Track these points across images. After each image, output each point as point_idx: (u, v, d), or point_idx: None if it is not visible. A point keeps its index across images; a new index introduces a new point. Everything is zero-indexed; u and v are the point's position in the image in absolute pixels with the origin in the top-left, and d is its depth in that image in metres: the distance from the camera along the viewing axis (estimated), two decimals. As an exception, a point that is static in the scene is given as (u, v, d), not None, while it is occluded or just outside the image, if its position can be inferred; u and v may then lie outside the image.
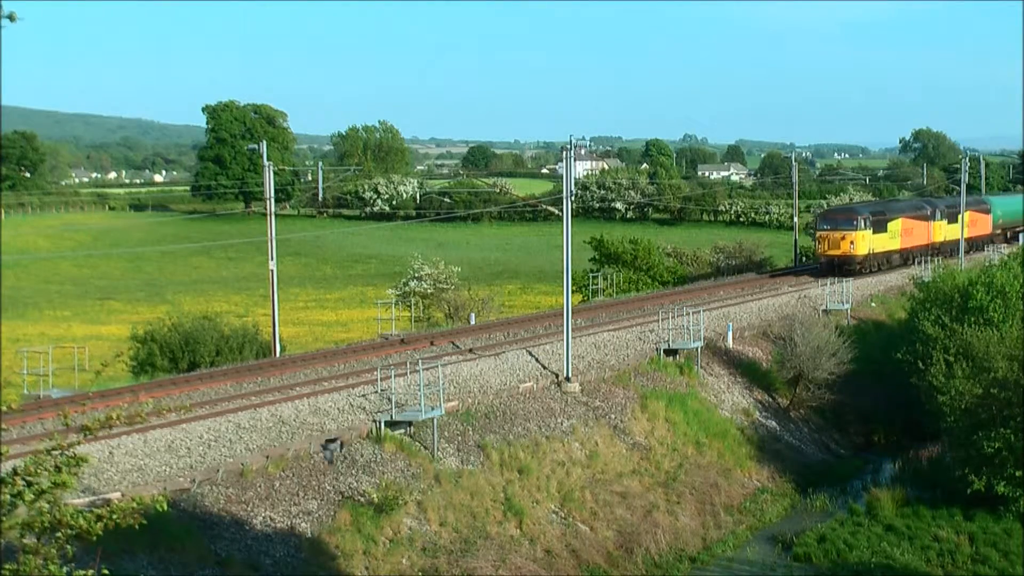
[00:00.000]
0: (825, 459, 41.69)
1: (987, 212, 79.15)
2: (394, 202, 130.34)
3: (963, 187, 74.89)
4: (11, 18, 9.42)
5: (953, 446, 36.24)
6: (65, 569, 10.59)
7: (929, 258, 64.88)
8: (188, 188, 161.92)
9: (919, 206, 72.06)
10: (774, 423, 42.21)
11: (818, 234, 63.13)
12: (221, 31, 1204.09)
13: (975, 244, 75.42)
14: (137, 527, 11.17)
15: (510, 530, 29.10)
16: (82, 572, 10.56)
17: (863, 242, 60.52)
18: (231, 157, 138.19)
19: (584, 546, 30.01)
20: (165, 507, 11.59)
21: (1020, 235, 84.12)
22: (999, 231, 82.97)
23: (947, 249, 70.18)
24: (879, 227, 62.32)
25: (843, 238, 60.24)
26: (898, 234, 65.30)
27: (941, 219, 70.54)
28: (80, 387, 32.06)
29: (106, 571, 10.92)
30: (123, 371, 41.66)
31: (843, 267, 59.64)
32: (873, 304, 58.17)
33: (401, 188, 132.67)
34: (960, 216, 71.86)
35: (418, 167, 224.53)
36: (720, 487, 35.74)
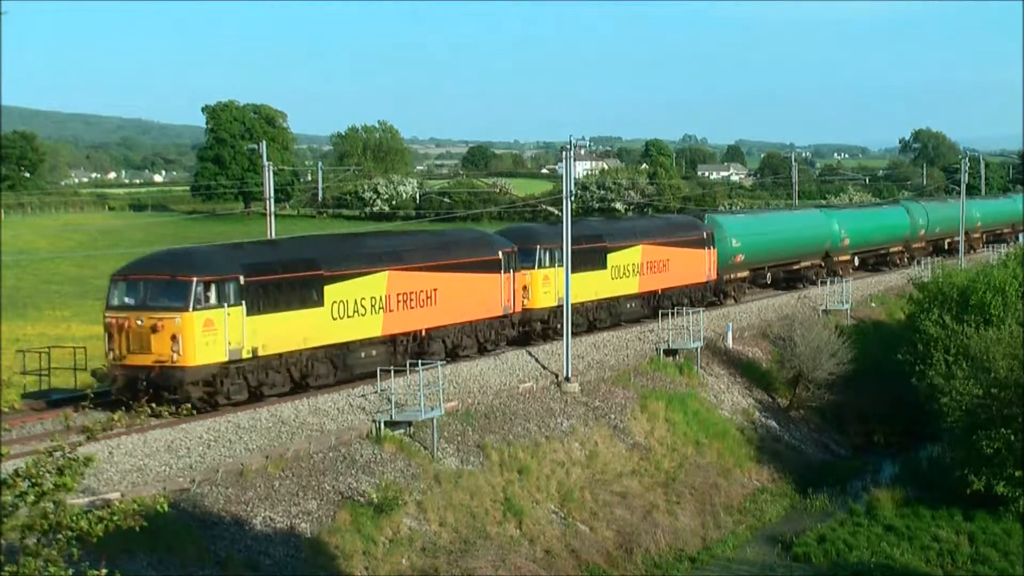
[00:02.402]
0: (825, 459, 41.69)
1: (702, 245, 48.79)
2: (394, 202, 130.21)
3: (963, 187, 74.95)
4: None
5: (953, 446, 36.27)
6: (71, 571, 10.60)
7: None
8: (188, 188, 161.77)
9: (687, 225, 50.02)
10: (774, 423, 42.21)
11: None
12: (221, 31, 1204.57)
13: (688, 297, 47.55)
14: (137, 529, 11.18)
15: (510, 530, 29.10)
16: (95, 572, 10.58)
17: (544, 287, 40.04)
18: (231, 157, 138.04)
19: (584, 546, 30.01)
20: (166, 508, 11.59)
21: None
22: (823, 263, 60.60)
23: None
24: (591, 261, 42.03)
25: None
26: (626, 271, 44.44)
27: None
28: (80, 387, 32.02)
29: (117, 574, 10.92)
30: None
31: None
32: (873, 304, 58.20)
33: (401, 188, 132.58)
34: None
35: (418, 167, 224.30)
36: (720, 487, 35.74)
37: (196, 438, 27.13)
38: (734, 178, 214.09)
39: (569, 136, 39.93)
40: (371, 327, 32.97)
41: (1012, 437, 33.10)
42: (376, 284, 33.01)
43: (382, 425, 30.05)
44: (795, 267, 59.30)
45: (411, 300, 34.24)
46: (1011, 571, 29.85)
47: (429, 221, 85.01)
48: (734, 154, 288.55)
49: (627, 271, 44.62)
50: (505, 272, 37.88)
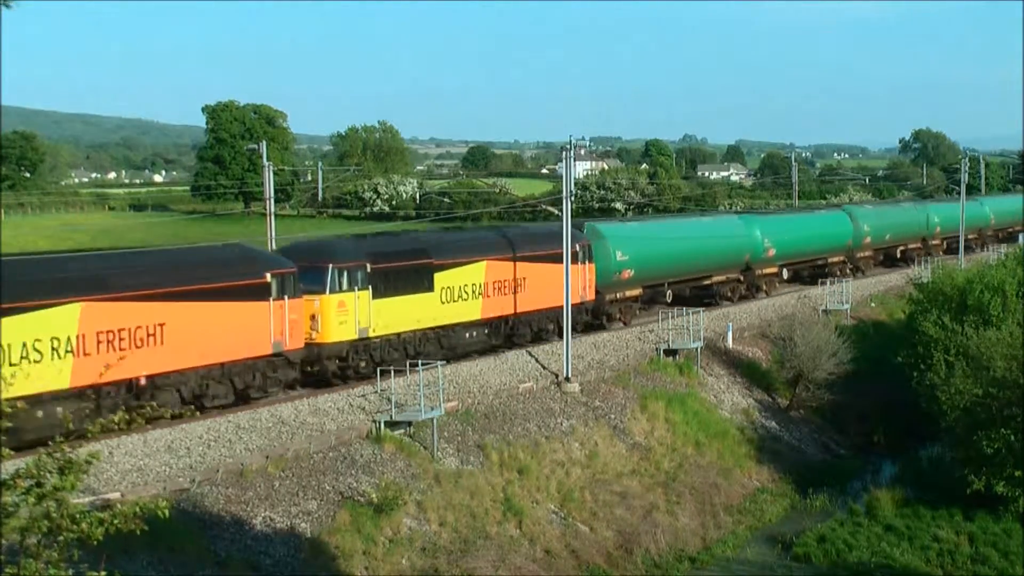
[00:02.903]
0: (825, 459, 41.69)
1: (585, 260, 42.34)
2: (394, 202, 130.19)
3: (963, 187, 74.88)
4: (6, 4, 9.54)
5: (953, 446, 36.25)
6: (71, 571, 10.61)
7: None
8: (188, 188, 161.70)
9: (551, 236, 40.16)
10: (774, 423, 42.21)
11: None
12: (221, 31, 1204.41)
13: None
14: (140, 532, 11.17)
15: (510, 530, 29.10)
16: (94, 573, 10.59)
17: (339, 316, 32.86)
18: (231, 157, 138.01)
19: (584, 546, 30.02)
20: (167, 515, 11.54)
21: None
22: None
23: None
24: (412, 282, 35.28)
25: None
26: (463, 294, 37.37)
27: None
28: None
29: (117, 573, 10.93)
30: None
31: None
32: (873, 304, 58.19)
33: (401, 188, 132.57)
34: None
35: (418, 167, 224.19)
36: (720, 487, 35.75)
37: (196, 438, 27.14)
38: (734, 178, 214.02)
39: (569, 136, 40.18)
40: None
41: (1012, 437, 33.10)
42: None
43: (382, 425, 30.06)
44: (706, 282, 52.26)
45: (119, 339, 26.51)
46: (1011, 571, 29.84)
47: (429, 221, 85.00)
48: (734, 154, 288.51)
49: (464, 293, 37.24)
50: (277, 298, 30.53)
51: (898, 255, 71.14)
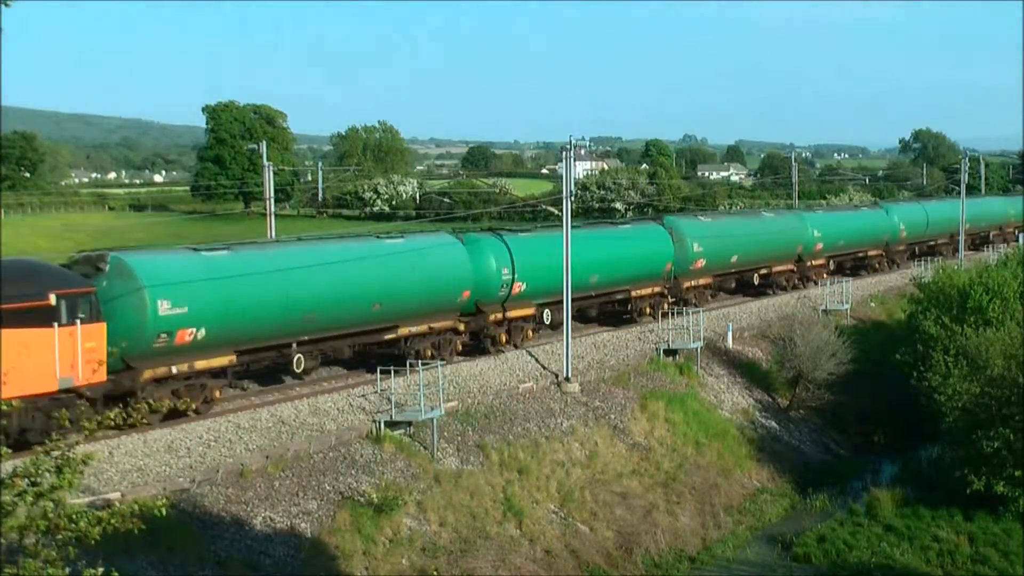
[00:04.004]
0: (825, 459, 41.68)
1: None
2: (394, 202, 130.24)
3: (963, 187, 74.87)
4: (5, 3, 9.54)
5: (953, 446, 36.24)
6: (69, 570, 10.60)
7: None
8: (188, 188, 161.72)
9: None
10: (774, 423, 42.20)
11: None
12: (221, 31, 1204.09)
13: None
14: (137, 531, 11.17)
15: (510, 530, 29.09)
16: (91, 571, 10.57)
17: None
18: (231, 157, 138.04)
19: (584, 546, 30.01)
20: (163, 513, 11.53)
21: None
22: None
23: None
24: None
25: None
26: None
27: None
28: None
29: (115, 573, 10.92)
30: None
31: None
32: (873, 304, 58.18)
33: (401, 188, 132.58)
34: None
35: (418, 167, 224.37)
36: (720, 487, 35.74)
37: (196, 438, 27.14)
38: (734, 178, 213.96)
39: (569, 136, 39.97)
40: None
41: (1011, 436, 33.10)
42: None
43: (382, 425, 30.05)
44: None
45: None
46: (1011, 571, 29.83)
47: (429, 221, 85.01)
48: (734, 154, 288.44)
49: None
50: (67, 323, 25.53)
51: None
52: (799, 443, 42.01)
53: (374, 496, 26.97)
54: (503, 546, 28.25)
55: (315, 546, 24.98)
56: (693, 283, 48.76)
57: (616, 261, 43.60)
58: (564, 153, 39.67)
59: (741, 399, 42.64)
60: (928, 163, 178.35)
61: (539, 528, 29.75)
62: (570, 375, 37.10)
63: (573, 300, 38.11)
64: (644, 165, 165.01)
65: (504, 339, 38.79)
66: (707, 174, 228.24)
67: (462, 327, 37.07)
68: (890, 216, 69.10)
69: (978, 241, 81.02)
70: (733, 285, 54.13)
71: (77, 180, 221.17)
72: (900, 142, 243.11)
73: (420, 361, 32.40)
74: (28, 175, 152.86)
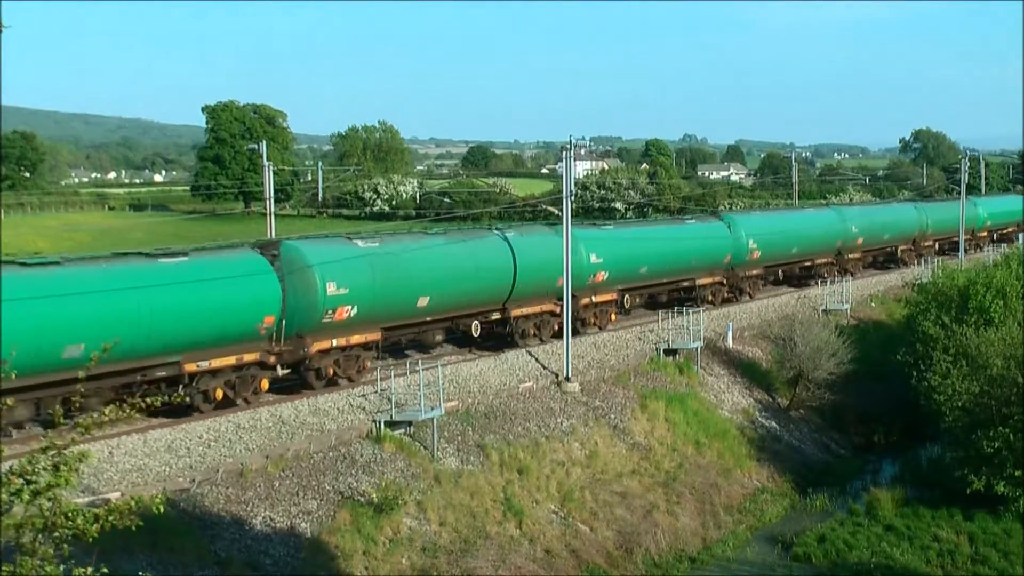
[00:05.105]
0: (825, 459, 41.68)
1: None
2: (394, 202, 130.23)
3: (963, 187, 74.90)
4: None
5: (953, 446, 36.24)
6: (63, 568, 10.58)
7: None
8: (188, 188, 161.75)
9: None
10: (774, 423, 42.19)
11: None
12: (221, 31, 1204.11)
13: None
14: (135, 528, 11.15)
15: (510, 530, 29.08)
16: (81, 570, 10.56)
17: None
18: (231, 157, 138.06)
19: (584, 546, 30.00)
20: (161, 509, 11.54)
21: None
22: None
23: None
24: None
25: None
26: None
27: None
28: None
29: (105, 570, 10.89)
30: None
31: None
32: (873, 304, 58.17)
33: (401, 188, 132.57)
34: None
35: (418, 167, 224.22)
36: (720, 487, 35.72)
37: (196, 438, 27.13)
38: (734, 178, 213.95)
39: (569, 136, 40.04)
40: None
41: (1011, 436, 33.09)
42: None
43: (382, 425, 30.04)
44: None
45: None
46: (1011, 571, 29.82)
47: (429, 221, 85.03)
48: (734, 154, 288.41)
49: None
50: None
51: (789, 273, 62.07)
52: (799, 443, 42.00)
53: (374, 496, 26.96)
54: (503, 546, 28.24)
55: (315, 546, 24.97)
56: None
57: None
58: (564, 153, 39.68)
59: (741, 399, 42.63)
60: (928, 163, 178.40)
61: (539, 528, 29.74)
62: (570, 375, 37.10)
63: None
64: (644, 165, 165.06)
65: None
66: (707, 174, 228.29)
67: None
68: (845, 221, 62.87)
69: (881, 259, 69.87)
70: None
71: (77, 180, 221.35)
72: (900, 142, 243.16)
73: (420, 361, 32.37)
74: (28, 175, 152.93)
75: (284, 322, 30.69)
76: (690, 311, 43.50)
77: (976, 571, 30.08)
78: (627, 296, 45.52)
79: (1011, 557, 30.54)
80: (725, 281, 52.83)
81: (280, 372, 31.75)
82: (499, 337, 39.58)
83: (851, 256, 63.84)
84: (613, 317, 44.72)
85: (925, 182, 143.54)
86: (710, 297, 51.75)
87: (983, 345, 35.70)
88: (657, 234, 48.65)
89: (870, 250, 67.48)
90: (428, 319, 35.95)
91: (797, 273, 60.41)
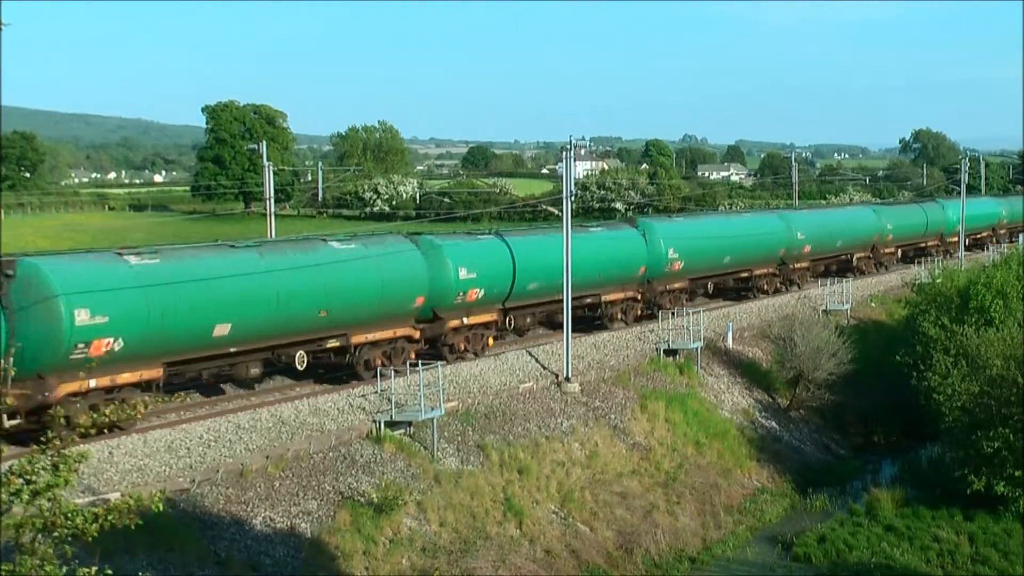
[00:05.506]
0: (825, 459, 41.67)
1: None
2: (394, 202, 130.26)
3: (963, 187, 74.88)
4: None
5: (953, 446, 36.24)
6: (64, 569, 10.58)
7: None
8: (188, 188, 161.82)
9: None
10: (774, 423, 42.19)
11: None
12: (221, 31, 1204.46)
13: None
14: (134, 527, 11.15)
15: (510, 530, 29.07)
16: (85, 570, 10.56)
17: None
18: (231, 157, 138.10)
19: (584, 546, 29.99)
20: (160, 508, 11.54)
21: None
22: None
23: None
24: None
25: None
26: None
27: None
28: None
29: (108, 571, 10.90)
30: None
31: None
32: (873, 304, 58.16)
33: (401, 188, 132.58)
34: None
35: (418, 167, 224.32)
36: (720, 487, 35.72)
37: (196, 438, 27.12)
38: (734, 178, 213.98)
39: (569, 136, 40.02)
40: None
41: (1011, 436, 33.09)
42: None
43: (382, 425, 30.03)
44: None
45: None
46: (1011, 571, 29.82)
47: (429, 221, 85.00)
48: (734, 154, 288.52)
49: None
50: None
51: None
52: (799, 443, 42.00)
53: (374, 496, 26.95)
54: (503, 546, 28.23)
55: (315, 546, 24.97)
56: (796, 265, 57.19)
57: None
58: (564, 153, 39.66)
59: (741, 399, 42.63)
60: (928, 163, 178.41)
61: (539, 528, 29.74)
62: (570, 375, 37.09)
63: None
64: (644, 165, 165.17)
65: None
66: (707, 174, 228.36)
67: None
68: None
69: (834, 268, 62.99)
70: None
71: (77, 180, 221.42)
72: (900, 142, 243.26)
73: (420, 361, 32.35)
74: (28, 175, 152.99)
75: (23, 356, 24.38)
76: (690, 311, 43.48)
77: (976, 571, 30.08)
78: (512, 316, 39.30)
79: (1011, 557, 30.53)
80: (640, 296, 46.00)
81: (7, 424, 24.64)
82: (338, 367, 33.49)
83: (797, 266, 57.17)
84: (491, 341, 38.36)
85: (925, 182, 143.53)
86: (619, 316, 45.26)
87: (983, 345, 35.69)
88: (550, 244, 39.40)
89: (820, 259, 60.33)
90: (232, 350, 29.58)
91: (732, 285, 54.33)
